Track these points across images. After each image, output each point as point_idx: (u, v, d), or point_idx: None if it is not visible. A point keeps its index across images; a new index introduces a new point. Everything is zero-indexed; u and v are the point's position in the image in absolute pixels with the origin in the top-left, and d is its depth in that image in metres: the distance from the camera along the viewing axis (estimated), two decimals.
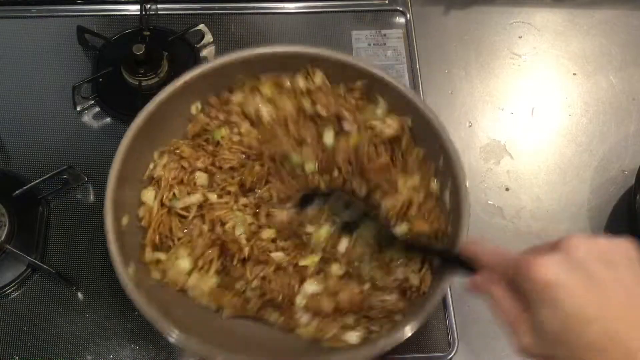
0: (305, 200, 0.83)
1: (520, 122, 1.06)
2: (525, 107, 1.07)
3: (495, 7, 1.16)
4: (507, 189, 1.00)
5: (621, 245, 0.51)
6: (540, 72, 1.11)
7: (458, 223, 0.73)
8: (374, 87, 0.83)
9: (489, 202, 0.98)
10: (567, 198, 1.00)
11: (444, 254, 0.75)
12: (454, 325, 0.88)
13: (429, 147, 0.81)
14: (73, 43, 1.05)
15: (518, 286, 0.53)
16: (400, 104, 0.81)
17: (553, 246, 0.52)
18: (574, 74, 1.11)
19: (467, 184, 0.74)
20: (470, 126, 1.05)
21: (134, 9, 1.10)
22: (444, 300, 0.90)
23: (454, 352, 0.86)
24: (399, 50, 1.09)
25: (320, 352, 0.76)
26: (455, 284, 0.90)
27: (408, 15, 1.12)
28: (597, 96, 1.09)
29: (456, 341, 0.87)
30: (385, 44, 1.10)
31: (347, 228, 0.81)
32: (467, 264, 0.62)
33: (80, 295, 0.88)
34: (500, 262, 0.57)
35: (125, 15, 1.11)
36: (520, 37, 1.14)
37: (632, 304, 0.48)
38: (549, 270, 0.49)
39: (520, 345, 0.53)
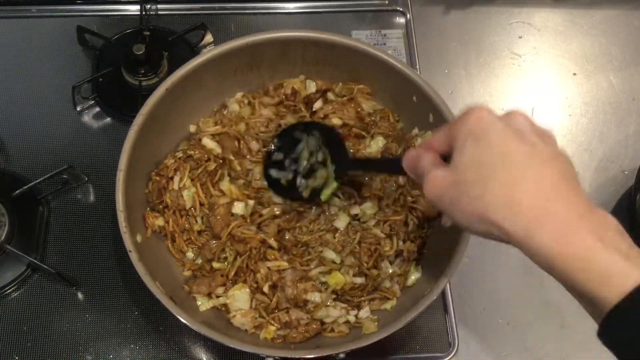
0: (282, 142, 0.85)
1: None
2: (525, 107, 1.07)
3: (495, 7, 1.16)
4: None
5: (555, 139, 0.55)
6: (540, 72, 1.11)
7: None
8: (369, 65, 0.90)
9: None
10: None
11: (393, 162, 0.79)
12: (454, 325, 0.88)
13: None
14: (73, 43, 1.05)
15: (452, 141, 0.56)
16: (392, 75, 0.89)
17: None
18: (574, 74, 1.11)
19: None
20: None
21: (134, 9, 1.10)
22: (444, 301, 0.90)
23: (454, 352, 0.86)
24: (399, 50, 1.09)
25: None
26: (455, 285, 0.91)
27: (408, 15, 1.12)
28: (597, 96, 1.09)
29: (456, 341, 0.87)
30: (385, 44, 1.10)
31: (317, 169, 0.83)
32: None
33: (80, 295, 0.88)
34: (438, 132, 0.60)
35: (125, 15, 1.11)
36: (520, 37, 1.14)
37: (555, 163, 0.52)
38: (487, 111, 0.54)
39: (434, 185, 0.56)
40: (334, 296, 0.82)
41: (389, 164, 0.83)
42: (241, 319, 0.80)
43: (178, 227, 0.85)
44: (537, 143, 0.53)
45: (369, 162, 0.87)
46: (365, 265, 0.83)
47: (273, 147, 0.85)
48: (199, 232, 0.86)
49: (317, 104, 0.93)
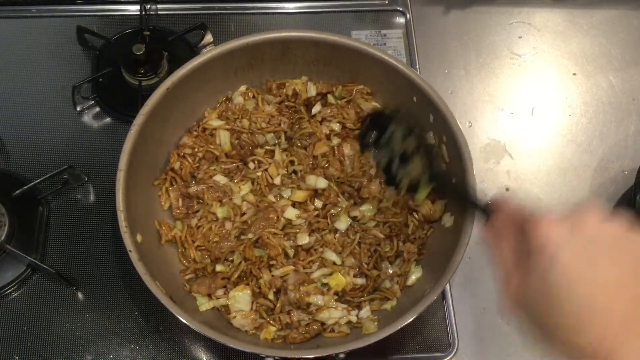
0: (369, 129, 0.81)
1: (520, 122, 1.06)
2: (525, 107, 1.07)
3: (495, 7, 1.16)
4: (507, 189, 1.00)
5: (631, 237, 0.52)
6: (540, 72, 1.11)
7: (463, 169, 0.80)
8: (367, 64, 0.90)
9: (489, 202, 0.98)
10: (567, 198, 1.00)
11: (473, 200, 0.74)
12: (454, 325, 0.88)
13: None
14: (73, 43, 1.05)
15: (525, 239, 0.54)
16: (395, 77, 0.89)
17: (569, 214, 0.53)
18: (574, 74, 1.11)
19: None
20: (470, 126, 1.05)
21: (134, 9, 1.10)
22: (444, 301, 0.90)
23: (454, 352, 0.86)
24: (399, 50, 1.09)
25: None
26: (455, 285, 0.91)
27: (408, 15, 1.12)
28: (597, 96, 1.09)
29: (456, 341, 0.87)
30: (385, 44, 1.10)
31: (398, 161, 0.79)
32: (487, 210, 0.64)
33: (80, 295, 0.88)
34: (519, 211, 0.58)
35: (125, 15, 1.11)
36: (520, 37, 1.14)
37: (628, 282, 0.49)
38: (555, 231, 0.51)
39: (509, 289, 0.54)
40: (335, 297, 0.82)
41: (477, 207, 0.73)
42: (242, 320, 0.80)
43: (191, 237, 0.86)
44: (611, 268, 0.50)
45: (459, 190, 0.82)
46: (366, 266, 0.83)
47: (364, 129, 0.82)
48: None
49: (316, 107, 0.93)
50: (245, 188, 0.88)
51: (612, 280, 0.49)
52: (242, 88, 0.95)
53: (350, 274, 0.83)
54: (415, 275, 0.84)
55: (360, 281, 0.83)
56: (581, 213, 0.53)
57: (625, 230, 0.52)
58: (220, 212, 0.86)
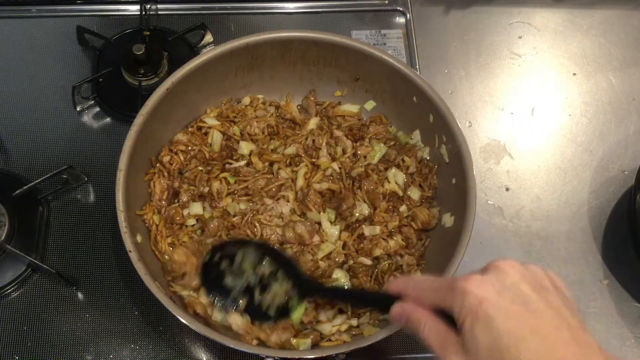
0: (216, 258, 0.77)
1: (520, 122, 1.06)
2: (525, 107, 1.07)
3: (495, 7, 1.16)
4: (507, 189, 1.00)
5: (550, 274, 0.54)
6: (540, 72, 1.11)
7: (463, 169, 0.81)
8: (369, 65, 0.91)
9: (489, 202, 0.98)
10: (567, 198, 1.00)
11: (367, 297, 0.76)
12: None
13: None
14: (73, 43, 1.05)
15: (448, 308, 0.54)
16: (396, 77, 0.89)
17: (483, 270, 0.54)
18: (574, 74, 1.11)
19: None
20: (470, 126, 1.05)
21: (134, 9, 1.10)
22: None
23: None
24: (399, 50, 1.09)
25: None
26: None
27: (408, 15, 1.13)
28: (597, 96, 1.09)
29: None
30: (385, 44, 1.10)
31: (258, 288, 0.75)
32: (392, 300, 0.61)
33: (80, 295, 0.88)
34: (428, 287, 0.58)
35: (125, 15, 1.11)
36: (520, 37, 1.14)
37: (563, 325, 0.50)
38: (484, 288, 0.51)
39: None
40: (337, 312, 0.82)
41: (375, 301, 0.73)
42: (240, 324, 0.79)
43: (165, 230, 0.85)
44: (545, 310, 0.51)
45: (344, 293, 0.80)
46: (368, 285, 0.83)
47: (213, 259, 0.77)
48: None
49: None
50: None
51: (551, 329, 0.50)
52: (260, 96, 0.96)
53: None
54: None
55: None
56: (494, 263, 0.53)
57: (541, 280, 0.53)
58: (194, 207, 0.85)
